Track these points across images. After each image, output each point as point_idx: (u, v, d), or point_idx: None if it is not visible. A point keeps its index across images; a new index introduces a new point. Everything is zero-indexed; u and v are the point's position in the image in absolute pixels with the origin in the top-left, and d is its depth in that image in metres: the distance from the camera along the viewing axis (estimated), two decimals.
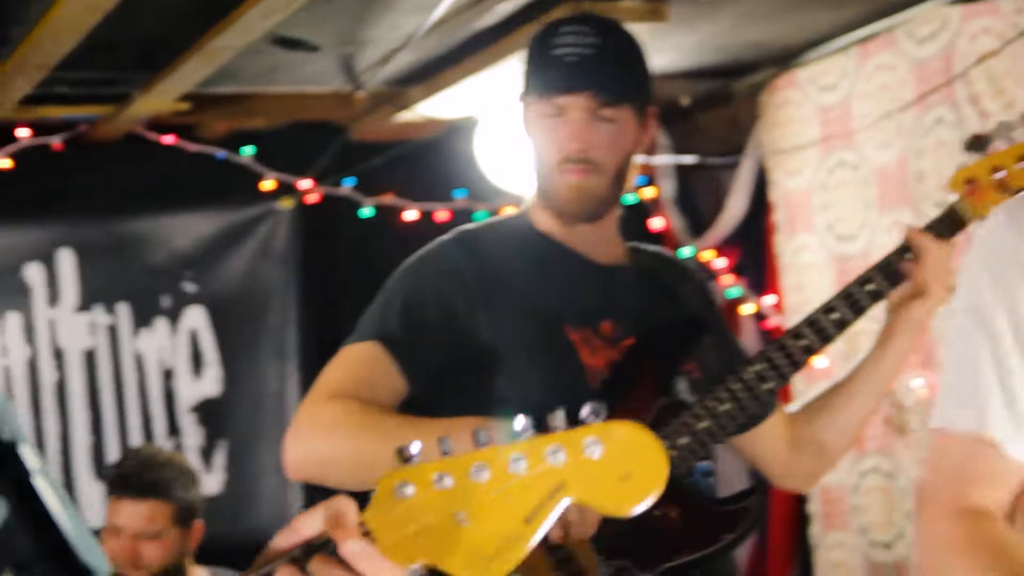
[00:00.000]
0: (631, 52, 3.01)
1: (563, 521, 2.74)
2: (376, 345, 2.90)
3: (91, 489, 5.93)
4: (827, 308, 3.02)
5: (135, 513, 4.26)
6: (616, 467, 1.44)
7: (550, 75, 2.95)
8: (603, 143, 2.94)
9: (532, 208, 3.08)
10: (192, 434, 6.17)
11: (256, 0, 4.18)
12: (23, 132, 5.73)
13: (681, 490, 2.94)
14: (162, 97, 5.36)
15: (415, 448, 1.47)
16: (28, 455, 1.34)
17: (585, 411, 1.45)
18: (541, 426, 1.45)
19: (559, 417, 1.45)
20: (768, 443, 3.23)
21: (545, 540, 2.79)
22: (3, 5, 4.21)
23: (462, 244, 3.01)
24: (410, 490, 1.46)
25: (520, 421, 1.45)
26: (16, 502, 1.31)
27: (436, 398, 2.88)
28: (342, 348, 2.96)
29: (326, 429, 2.83)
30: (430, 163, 6.38)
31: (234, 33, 4.50)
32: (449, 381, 2.90)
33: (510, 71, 5.24)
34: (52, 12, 4.19)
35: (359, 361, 2.91)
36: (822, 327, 3.01)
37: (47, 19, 4.26)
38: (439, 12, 4.50)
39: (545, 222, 3.05)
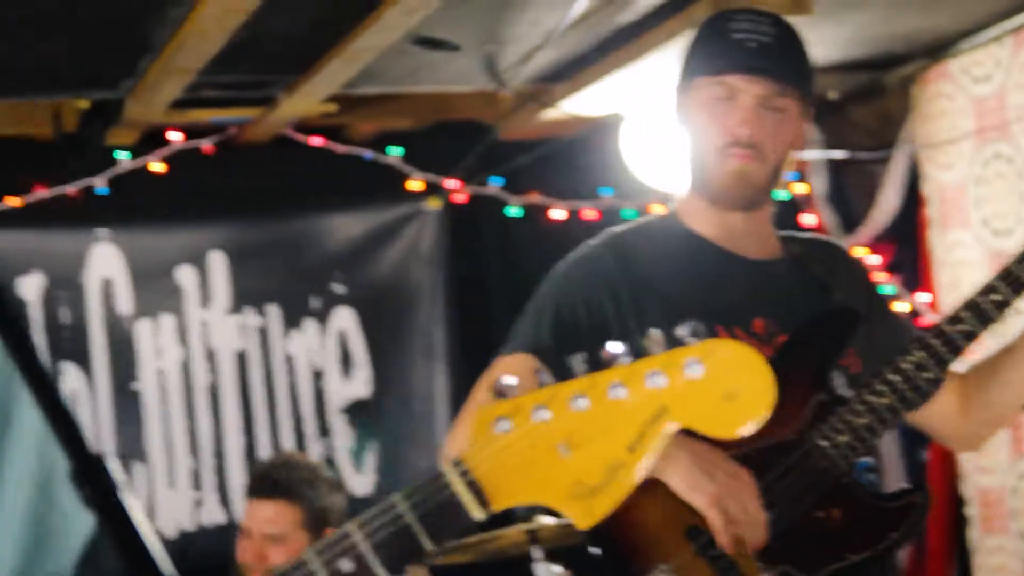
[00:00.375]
0: (800, 46, 3.01)
1: (729, 520, 2.69)
2: (528, 356, 2.89)
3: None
4: (987, 289, 2.90)
5: (262, 514, 4.25)
6: (719, 386, 1.36)
7: (728, 56, 2.93)
8: (770, 132, 2.92)
9: (681, 206, 3.05)
10: (342, 435, 6.20)
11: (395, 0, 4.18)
12: (175, 136, 5.80)
13: (842, 489, 2.86)
14: (308, 99, 5.39)
15: (510, 380, 1.41)
16: (114, 469, 1.33)
17: (683, 330, 1.38)
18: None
19: (656, 338, 1.38)
20: (938, 410, 3.11)
21: (707, 548, 2.74)
22: (144, 9, 4.25)
23: (610, 247, 2.98)
24: (507, 425, 1.41)
25: (617, 346, 1.39)
26: (103, 517, 1.30)
27: None
28: (496, 359, 2.95)
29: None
30: (576, 161, 6.34)
31: (375, 33, 4.51)
32: None
33: (654, 66, 5.19)
34: (194, 15, 4.23)
35: (510, 370, 2.89)
36: (983, 310, 2.88)
37: (189, 22, 4.30)
38: (579, 8, 4.45)
39: (696, 220, 3.02)
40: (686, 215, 3.04)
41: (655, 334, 1.38)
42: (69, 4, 4.08)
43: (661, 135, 5.72)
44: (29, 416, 1.60)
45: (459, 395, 6.23)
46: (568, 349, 2.84)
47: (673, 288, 2.94)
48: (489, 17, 4.64)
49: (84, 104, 5.48)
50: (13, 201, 5.57)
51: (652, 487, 2.64)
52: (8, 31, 4.23)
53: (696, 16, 4.68)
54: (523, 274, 6.43)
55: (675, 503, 2.72)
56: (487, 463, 1.41)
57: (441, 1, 4.21)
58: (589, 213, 6.31)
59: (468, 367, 6.36)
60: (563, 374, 2.80)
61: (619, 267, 2.94)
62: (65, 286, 5.83)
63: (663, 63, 5.19)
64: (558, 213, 6.29)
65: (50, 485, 1.57)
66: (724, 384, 1.36)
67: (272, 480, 4.28)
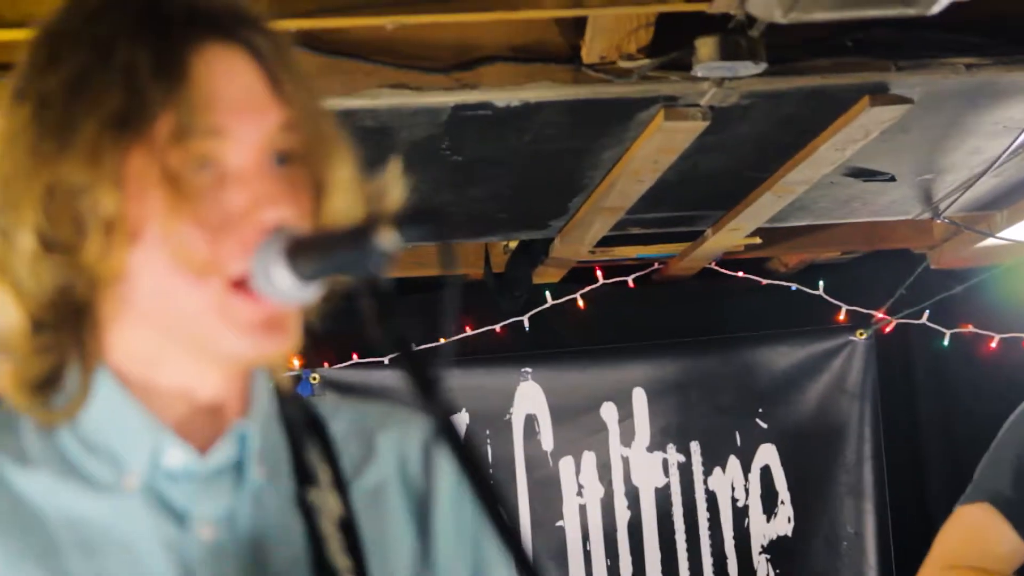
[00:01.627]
0: None
1: None
2: (988, 507, 2.74)
3: None
4: None
5: None
6: None
7: None
8: None
9: None
10: (765, 574, 6.03)
11: (830, 134, 4.07)
12: (599, 274, 5.84)
13: None
14: (734, 233, 5.32)
15: None
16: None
17: None
18: None
19: None
20: None
21: None
22: (580, 152, 4.28)
23: None
24: None
25: None
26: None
27: None
28: (956, 508, 2.81)
29: None
30: (1011, 290, 6.07)
31: (809, 166, 4.40)
32: None
33: None
34: (627, 156, 4.22)
35: (973, 524, 2.77)
36: None
37: (622, 163, 4.30)
38: None
39: None
40: None
41: None
42: (514, 152, 4.14)
43: None
44: None
45: (886, 535, 6.00)
46: None
47: None
48: (927, 146, 4.47)
49: (513, 243, 5.56)
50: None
51: None
52: (458, 182, 4.35)
53: None
54: (956, 410, 6.22)
55: None
56: None
57: (878, 134, 4.06)
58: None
59: (897, 507, 6.12)
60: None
61: None
62: (492, 424, 5.89)
63: None
64: (990, 343, 6.01)
65: None
66: None
67: None
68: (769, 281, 5.96)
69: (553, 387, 5.92)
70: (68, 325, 1.48)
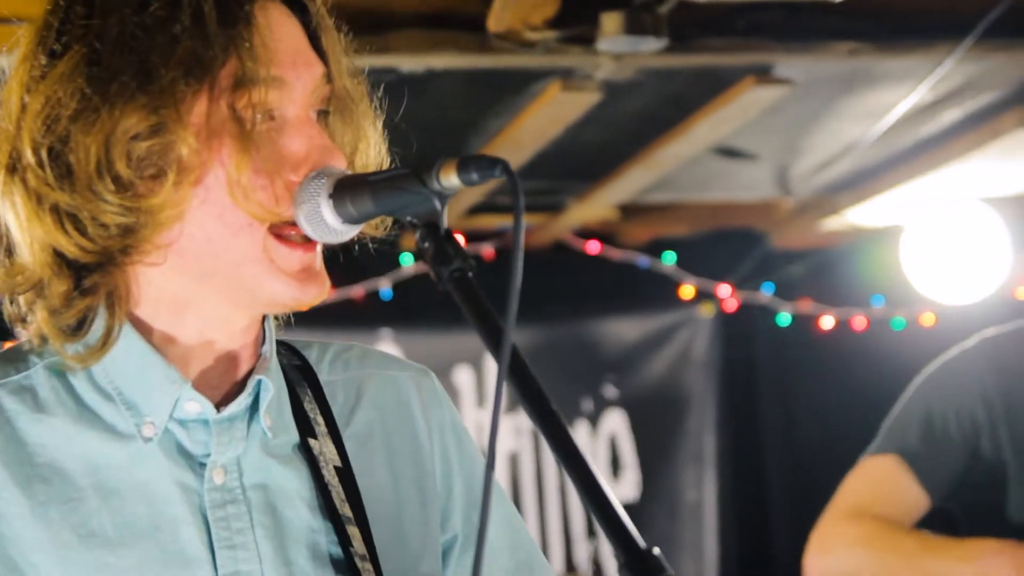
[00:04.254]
0: None
1: None
2: (895, 459, 2.88)
3: None
4: None
5: None
6: None
7: None
8: None
9: None
10: None
11: (710, 111, 4.24)
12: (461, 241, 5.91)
13: None
14: (597, 206, 5.48)
15: None
16: (666, 564, 1.36)
17: None
18: None
19: None
20: None
21: None
22: (463, 121, 4.37)
23: (984, 354, 2.93)
24: None
25: None
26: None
27: (954, 515, 2.85)
28: (862, 460, 2.94)
29: (848, 547, 2.85)
30: (848, 270, 6.35)
31: (681, 144, 4.57)
32: (966, 498, 2.86)
33: (946, 178, 5.18)
34: (512, 126, 4.33)
35: (878, 475, 2.90)
36: None
37: (505, 133, 4.41)
38: (889, 121, 4.46)
39: None
40: None
41: None
42: (394, 112, 4.21)
43: (942, 245, 5.70)
44: None
45: (727, 500, 6.23)
46: (936, 456, 2.86)
47: None
48: (793, 128, 4.67)
49: None
50: None
51: None
52: None
53: (1001, 128, 4.67)
54: (792, 381, 6.48)
55: None
56: None
57: (756, 115, 4.25)
58: (859, 321, 6.29)
59: (737, 473, 6.36)
60: (929, 479, 2.81)
61: (993, 374, 2.88)
62: None
63: (957, 174, 5.17)
64: (828, 321, 6.28)
65: None
66: None
67: None
68: (621, 255, 6.12)
69: (410, 349, 6.00)
70: (108, 270, 1.51)
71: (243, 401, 1.56)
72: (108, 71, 1.47)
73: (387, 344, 6.00)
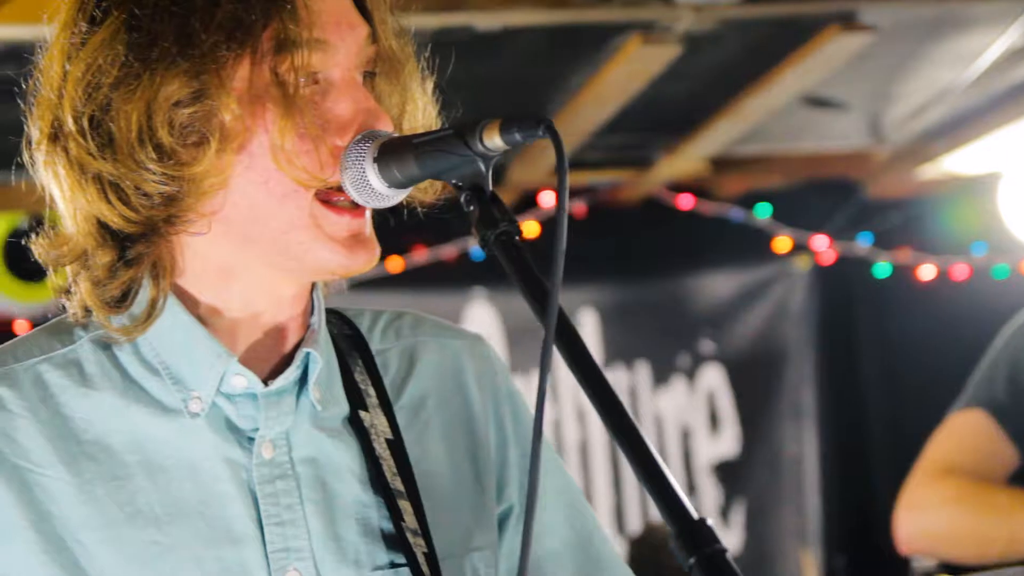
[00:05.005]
0: None
1: None
2: (982, 413, 2.82)
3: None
4: None
5: None
6: None
7: None
8: None
9: None
10: (710, 493, 6.19)
11: (795, 61, 4.18)
12: (547, 197, 5.89)
13: None
14: (687, 160, 5.43)
15: None
16: (719, 536, 1.32)
17: None
18: None
19: None
20: None
21: None
22: (544, 78, 4.34)
23: None
24: None
25: None
26: None
27: None
28: (948, 416, 2.89)
29: (939, 506, 2.80)
30: (947, 218, 6.24)
31: (767, 95, 4.51)
32: None
33: None
34: (594, 81, 4.29)
35: (966, 431, 2.84)
36: None
37: (588, 88, 4.37)
38: (981, 66, 4.36)
39: None
40: None
41: None
42: (470, 71, 4.19)
43: None
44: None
45: (828, 454, 6.17)
46: (1022, 409, 2.81)
47: None
48: (883, 75, 4.59)
49: None
50: (396, 264, 5.74)
51: None
52: None
53: None
54: (893, 332, 6.39)
55: None
56: None
57: (842, 63, 4.18)
58: (960, 270, 6.19)
59: (837, 427, 6.30)
60: (1019, 433, 2.76)
61: None
62: None
63: None
64: (928, 271, 6.18)
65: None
66: None
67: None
68: (714, 209, 6.07)
69: (504, 307, 6.00)
70: (152, 240, 1.48)
71: (291, 374, 1.53)
72: (148, 36, 1.44)
73: (481, 303, 6.00)
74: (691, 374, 6.20)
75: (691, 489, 6.17)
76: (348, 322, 1.67)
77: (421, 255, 5.85)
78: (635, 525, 6.01)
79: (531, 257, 1.47)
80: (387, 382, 1.63)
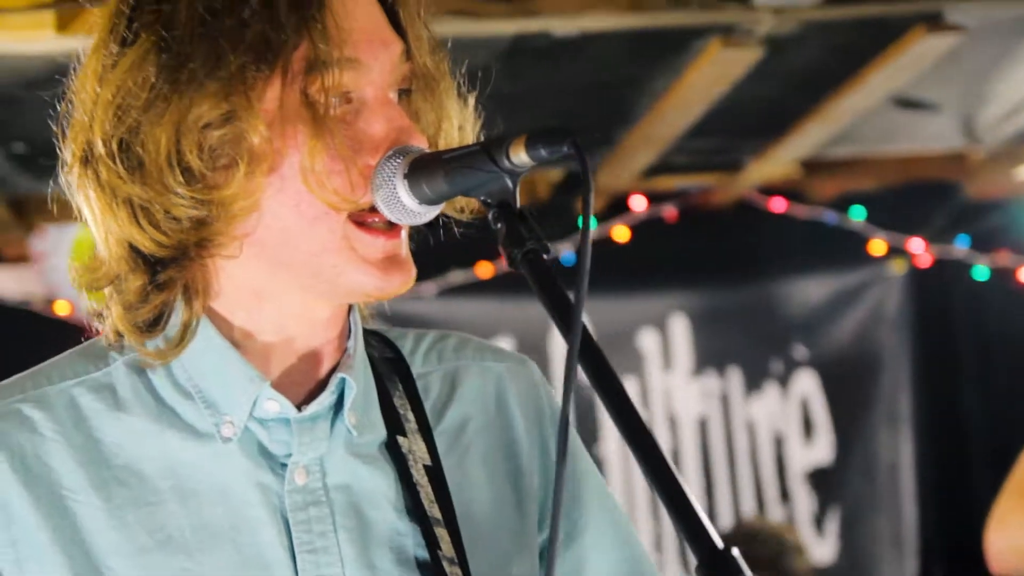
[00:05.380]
0: None
1: None
2: None
3: None
4: None
5: None
6: None
7: None
8: None
9: None
10: (804, 501, 6.10)
11: (883, 63, 4.10)
12: (638, 202, 5.85)
13: None
14: (777, 163, 5.36)
15: None
16: (743, 566, 1.28)
17: None
18: None
19: None
20: None
21: None
22: (627, 82, 4.30)
23: None
24: None
25: None
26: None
27: None
28: None
29: None
30: None
31: (856, 96, 4.43)
32: None
33: None
34: (677, 85, 4.25)
35: None
36: None
37: (672, 93, 4.32)
38: None
39: None
40: None
41: None
42: (550, 78, 4.16)
43: None
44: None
45: (925, 462, 6.05)
46: None
47: None
48: (975, 76, 4.50)
49: (556, 175, 5.59)
50: (485, 270, 5.72)
51: None
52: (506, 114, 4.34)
53: None
54: (993, 337, 6.26)
55: None
56: None
57: (931, 64, 4.09)
58: None
59: (935, 433, 6.17)
60: None
61: None
62: (532, 350, 5.92)
63: None
64: None
65: None
66: None
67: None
68: (807, 212, 5.98)
69: (593, 313, 5.95)
70: (183, 264, 1.48)
71: (325, 400, 1.51)
72: (177, 58, 1.42)
73: None
74: (784, 380, 6.11)
75: (785, 497, 6.08)
76: (390, 344, 1.65)
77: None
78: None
79: (557, 275, 1.44)
80: (428, 406, 1.61)
